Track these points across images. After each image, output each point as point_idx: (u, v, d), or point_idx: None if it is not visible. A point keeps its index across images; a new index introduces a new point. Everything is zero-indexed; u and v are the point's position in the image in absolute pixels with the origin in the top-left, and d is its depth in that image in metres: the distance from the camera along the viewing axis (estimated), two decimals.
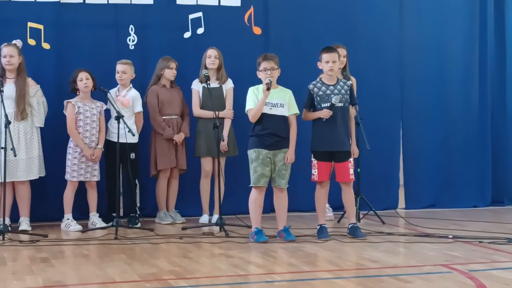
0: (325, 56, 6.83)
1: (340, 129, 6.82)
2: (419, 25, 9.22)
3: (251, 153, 6.72)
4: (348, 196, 6.97)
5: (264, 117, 6.69)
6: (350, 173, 6.91)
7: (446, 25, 9.28)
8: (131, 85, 7.85)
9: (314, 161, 6.88)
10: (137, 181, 7.83)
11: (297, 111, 6.85)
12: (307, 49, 8.62)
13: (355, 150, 7.07)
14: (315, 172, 6.87)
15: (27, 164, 7.36)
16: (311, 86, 6.90)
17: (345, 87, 6.91)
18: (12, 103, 7.31)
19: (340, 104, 6.81)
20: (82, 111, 7.54)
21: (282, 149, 6.73)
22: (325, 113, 6.74)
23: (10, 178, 7.25)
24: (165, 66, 7.87)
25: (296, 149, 6.90)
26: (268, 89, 6.61)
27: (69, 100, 7.57)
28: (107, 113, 7.78)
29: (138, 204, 7.89)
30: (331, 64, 6.79)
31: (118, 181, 7.47)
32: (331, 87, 6.84)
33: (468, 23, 9.37)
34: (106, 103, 7.73)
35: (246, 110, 6.76)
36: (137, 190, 7.89)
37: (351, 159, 6.96)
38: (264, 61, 6.74)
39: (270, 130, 6.69)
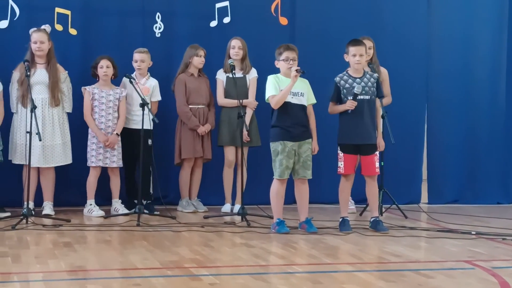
0: (352, 49, 6.79)
1: (367, 122, 6.79)
2: (446, 18, 9.14)
3: (277, 146, 6.67)
4: (372, 190, 6.94)
5: (288, 106, 6.65)
6: (376, 166, 6.89)
7: (474, 19, 9.18)
8: (148, 74, 7.85)
9: (341, 154, 6.85)
10: (151, 168, 7.80)
11: (315, 101, 6.85)
12: (333, 40, 8.57)
13: (381, 143, 7.03)
14: (341, 165, 6.84)
15: (63, 149, 7.46)
16: (337, 79, 6.87)
17: (372, 79, 6.88)
18: (45, 89, 7.37)
19: (367, 97, 6.77)
20: (97, 98, 7.57)
21: (306, 140, 6.72)
22: (349, 105, 6.71)
23: (48, 164, 7.35)
24: (193, 54, 7.86)
25: (319, 141, 6.89)
26: (300, 73, 6.56)
27: (85, 87, 7.61)
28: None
29: (152, 192, 7.87)
30: (358, 58, 6.76)
31: (139, 167, 7.47)
32: (358, 80, 6.80)
33: (496, 17, 9.27)
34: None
35: (266, 98, 6.73)
36: (151, 178, 7.87)
37: (377, 152, 6.93)
38: (287, 51, 6.72)
39: (295, 120, 6.67)
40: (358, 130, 6.77)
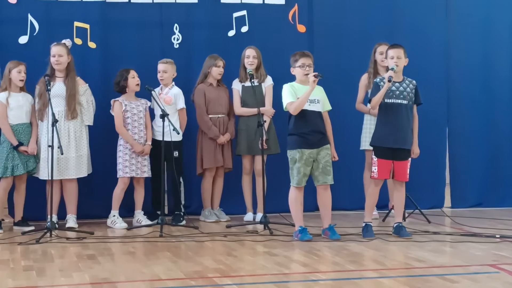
0: (390, 52, 6.81)
1: (404, 126, 6.76)
2: (466, 15, 9.04)
3: (294, 154, 6.67)
4: (400, 195, 6.91)
5: (305, 113, 6.66)
6: (407, 172, 6.86)
7: (493, 16, 9.08)
8: (173, 83, 7.89)
9: (375, 159, 6.82)
10: (181, 179, 7.86)
11: (330, 107, 6.87)
12: (352, 47, 8.58)
13: (415, 150, 6.96)
14: (375, 169, 6.80)
15: (77, 162, 7.47)
16: (377, 80, 6.86)
17: (411, 85, 6.86)
18: (62, 102, 7.42)
19: (404, 102, 6.73)
20: (129, 109, 7.62)
21: (324, 146, 6.71)
22: (387, 75, 6.64)
23: (61, 176, 7.37)
24: (212, 64, 7.89)
25: (339, 147, 6.87)
26: (318, 78, 6.56)
27: (116, 99, 7.65)
28: (151, 112, 7.83)
29: (182, 202, 7.93)
30: (395, 60, 6.75)
31: (163, 179, 7.50)
32: (397, 84, 6.78)
33: None
34: (150, 101, 7.81)
35: (284, 106, 6.74)
36: (182, 188, 7.92)
37: (410, 158, 6.89)
38: (302, 57, 6.75)
39: (313, 127, 6.67)
40: (394, 133, 6.73)
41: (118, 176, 7.63)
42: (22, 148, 7.29)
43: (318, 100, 6.74)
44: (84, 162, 7.53)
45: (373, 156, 6.85)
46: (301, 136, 6.66)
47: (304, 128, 6.67)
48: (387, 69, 7.51)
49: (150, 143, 7.69)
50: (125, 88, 7.66)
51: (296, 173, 6.66)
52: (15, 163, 7.27)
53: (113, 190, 7.64)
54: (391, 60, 6.79)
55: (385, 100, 6.74)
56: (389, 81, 6.64)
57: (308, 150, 6.65)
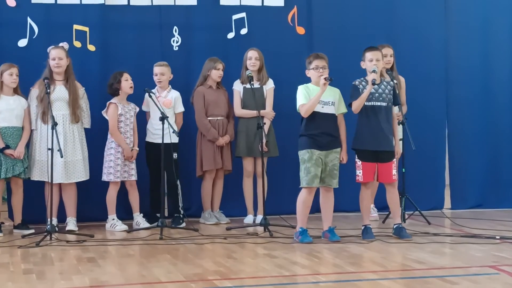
0: (368, 55, 6.82)
1: (384, 128, 6.78)
2: (465, 16, 9.04)
3: (304, 154, 6.67)
4: (393, 197, 6.92)
5: (317, 115, 6.66)
6: (393, 173, 6.86)
7: (492, 15, 9.10)
8: (170, 86, 7.89)
9: (359, 162, 6.84)
10: (178, 182, 7.84)
11: (346, 110, 6.86)
12: (351, 49, 8.54)
13: (399, 150, 7.01)
14: (359, 173, 6.83)
15: (84, 164, 7.53)
16: (356, 82, 6.86)
17: (389, 87, 6.88)
18: (64, 105, 7.44)
19: (384, 104, 6.75)
20: (123, 113, 7.62)
21: (334, 149, 6.71)
22: (371, 77, 6.65)
23: (69, 179, 7.41)
24: (212, 67, 7.90)
25: None
26: (328, 81, 6.55)
27: (112, 101, 7.64)
28: (145, 115, 7.85)
29: (181, 204, 7.92)
30: (374, 62, 6.76)
31: (162, 181, 7.49)
32: (376, 86, 6.79)
33: None
34: (148, 105, 7.79)
35: (297, 107, 6.74)
36: (179, 191, 7.91)
37: (394, 160, 6.91)
38: (316, 59, 6.75)
39: (324, 129, 6.67)
40: (375, 136, 6.75)
41: (108, 180, 7.60)
42: (8, 151, 7.25)
43: (333, 102, 6.73)
44: (87, 163, 7.58)
45: (357, 160, 6.87)
46: (311, 137, 6.66)
47: (313, 130, 6.67)
48: (387, 70, 7.53)
49: (137, 148, 7.69)
50: (117, 91, 7.64)
51: (305, 174, 6.65)
52: (2, 167, 7.25)
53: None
54: (370, 62, 6.79)
55: (365, 103, 6.75)
56: (373, 84, 6.65)
57: (318, 151, 6.64)
